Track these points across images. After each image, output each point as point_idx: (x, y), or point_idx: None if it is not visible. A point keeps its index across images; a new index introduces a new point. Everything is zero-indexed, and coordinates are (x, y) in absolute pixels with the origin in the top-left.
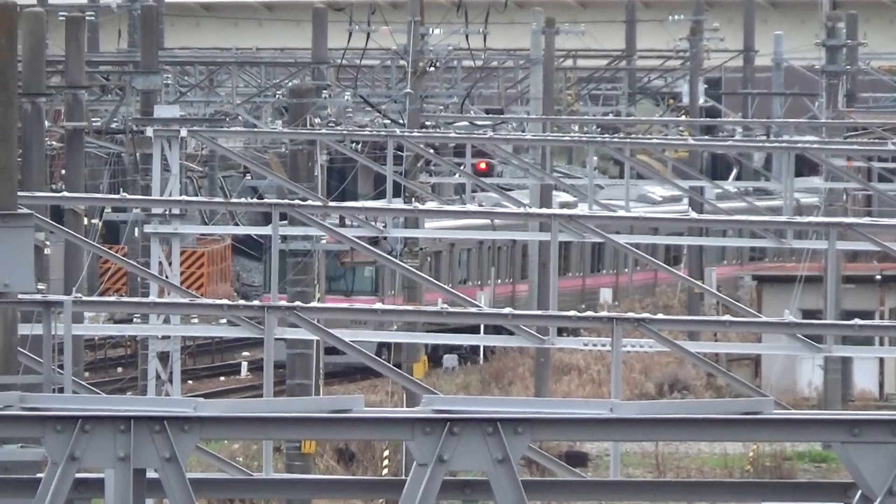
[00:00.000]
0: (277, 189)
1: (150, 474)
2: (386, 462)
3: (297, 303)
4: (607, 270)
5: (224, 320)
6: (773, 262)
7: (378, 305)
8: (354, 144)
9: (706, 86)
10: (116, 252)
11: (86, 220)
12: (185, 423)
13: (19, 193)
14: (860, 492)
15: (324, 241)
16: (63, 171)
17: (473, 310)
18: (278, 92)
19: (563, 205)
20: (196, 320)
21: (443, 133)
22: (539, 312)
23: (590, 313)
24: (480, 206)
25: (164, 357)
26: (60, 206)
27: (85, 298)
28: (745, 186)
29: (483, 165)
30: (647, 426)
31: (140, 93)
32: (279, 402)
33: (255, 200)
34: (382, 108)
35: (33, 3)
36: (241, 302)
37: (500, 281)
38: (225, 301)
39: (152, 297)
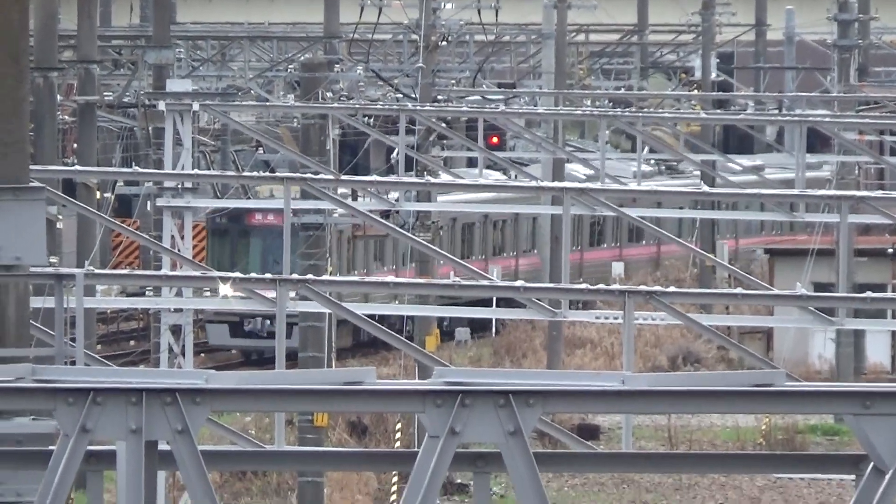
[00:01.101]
0: (289, 163)
1: (162, 446)
2: (398, 435)
3: (310, 276)
4: (608, 244)
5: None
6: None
7: (390, 279)
8: (366, 118)
9: (718, 60)
10: (128, 225)
11: (98, 194)
12: (196, 396)
13: (31, 167)
14: (872, 464)
15: (336, 215)
16: (75, 145)
17: (486, 283)
18: (290, 66)
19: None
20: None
21: (455, 107)
22: (551, 285)
23: (602, 286)
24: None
25: (176, 330)
26: (73, 180)
27: (97, 272)
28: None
29: (495, 139)
30: (658, 398)
31: (152, 67)
32: (291, 374)
33: (267, 174)
34: (394, 82)
35: None
36: (254, 275)
37: (503, 255)
38: (237, 274)
39: (164, 271)
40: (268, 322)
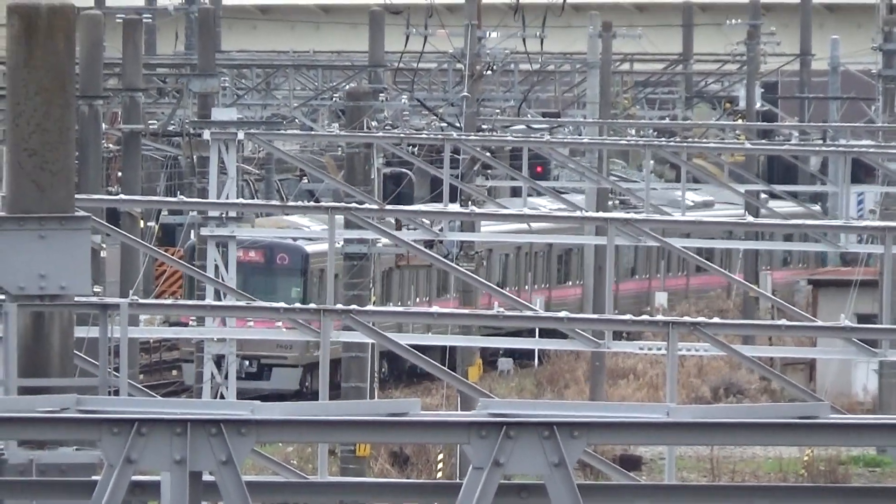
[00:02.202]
0: (334, 192)
1: (206, 477)
2: (440, 465)
3: (353, 306)
4: (640, 276)
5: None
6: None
7: (435, 309)
8: (411, 147)
9: (763, 90)
10: (172, 255)
11: (142, 223)
12: (242, 426)
13: (76, 196)
14: None
15: (380, 245)
16: (119, 174)
17: (529, 313)
18: (335, 95)
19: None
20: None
21: (499, 136)
22: (595, 316)
23: (646, 317)
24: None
25: (219, 360)
26: (117, 209)
27: (141, 301)
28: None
29: (539, 169)
30: (703, 430)
31: (197, 95)
32: (336, 405)
33: (311, 203)
34: (439, 111)
35: (91, 5)
36: (298, 305)
37: (536, 286)
38: (281, 304)
39: (208, 300)
40: (246, 363)
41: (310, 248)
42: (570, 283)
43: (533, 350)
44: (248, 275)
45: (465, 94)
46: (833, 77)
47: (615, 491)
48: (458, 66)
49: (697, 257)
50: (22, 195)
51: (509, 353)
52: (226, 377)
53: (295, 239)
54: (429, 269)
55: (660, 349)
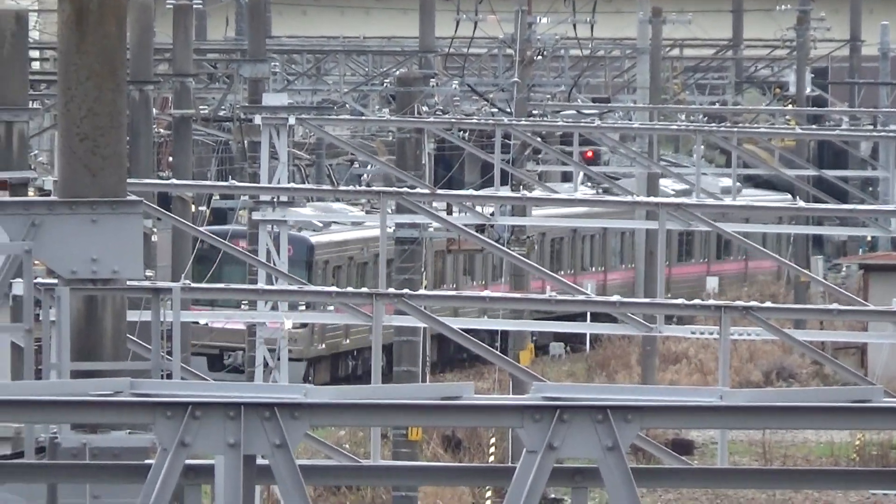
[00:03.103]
0: (385, 177)
1: (260, 461)
2: (492, 449)
3: (405, 290)
4: (697, 259)
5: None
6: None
7: (487, 293)
8: (462, 133)
9: (813, 75)
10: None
11: (193, 208)
12: (295, 410)
13: (128, 180)
14: None
15: (431, 229)
16: (170, 159)
17: (581, 297)
18: (385, 80)
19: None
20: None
21: (550, 122)
22: (647, 300)
23: (698, 301)
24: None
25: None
26: (168, 194)
27: (193, 285)
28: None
29: (590, 154)
30: (757, 414)
31: (248, 80)
32: (389, 388)
33: (362, 188)
34: (490, 96)
35: None
36: (350, 289)
37: (592, 269)
38: (333, 288)
39: (260, 284)
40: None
41: (315, 238)
42: (625, 266)
43: (584, 334)
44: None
45: (516, 79)
46: (883, 63)
47: (668, 475)
48: (509, 51)
49: (749, 241)
50: (74, 180)
51: (560, 337)
52: (278, 361)
53: (299, 230)
54: (480, 254)
55: (712, 333)
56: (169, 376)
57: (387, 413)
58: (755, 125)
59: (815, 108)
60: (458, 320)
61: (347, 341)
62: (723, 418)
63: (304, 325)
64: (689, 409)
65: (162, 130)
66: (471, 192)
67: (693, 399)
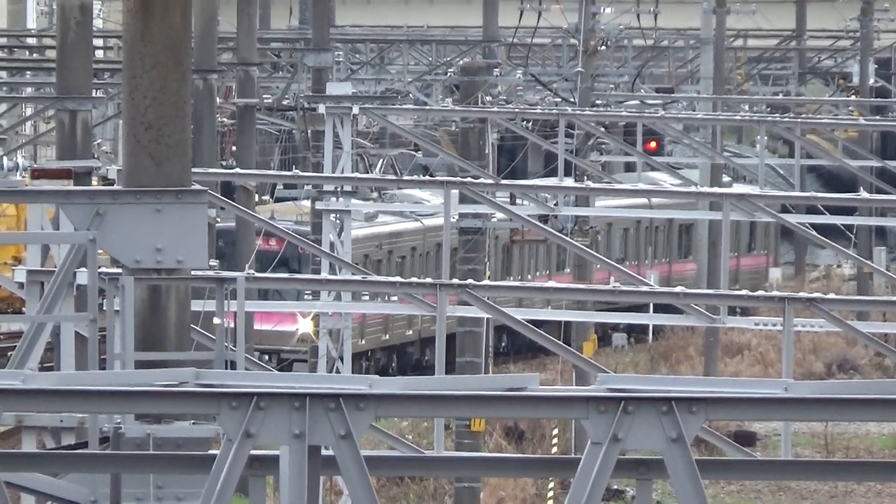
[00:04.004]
0: (448, 167)
1: (324, 452)
2: (555, 440)
3: (469, 280)
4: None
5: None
6: None
7: (551, 284)
8: (525, 122)
9: (876, 66)
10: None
11: (256, 197)
12: (360, 401)
13: (192, 170)
14: None
15: (494, 219)
16: (234, 148)
17: (645, 288)
18: (449, 70)
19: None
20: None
21: (613, 112)
22: (711, 291)
23: (761, 293)
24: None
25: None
26: (231, 183)
27: (257, 275)
28: None
29: (653, 144)
30: (822, 406)
31: (311, 70)
32: (454, 379)
33: (426, 178)
34: (553, 86)
35: None
36: (414, 279)
37: (657, 261)
38: (398, 279)
39: (324, 274)
40: (266, 357)
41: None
42: (690, 257)
43: (647, 325)
44: (267, 265)
45: (580, 69)
46: None
47: (732, 466)
48: (573, 41)
49: (813, 232)
50: (138, 169)
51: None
52: (341, 351)
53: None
54: (543, 244)
55: (775, 325)
56: (233, 366)
57: (452, 404)
58: (818, 116)
59: (878, 99)
60: (521, 311)
61: (387, 336)
62: (788, 410)
63: None
64: (753, 401)
65: (225, 120)
66: (534, 182)
67: (758, 391)
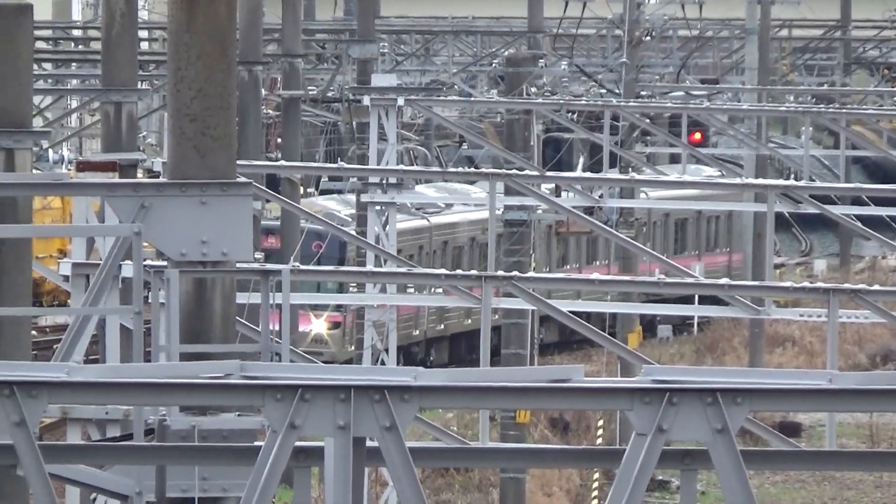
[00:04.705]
0: (493, 159)
1: (369, 443)
2: (600, 432)
3: (515, 272)
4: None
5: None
6: None
7: (595, 275)
8: (570, 114)
9: None
10: None
11: (301, 189)
12: (405, 393)
13: (237, 162)
14: None
15: (539, 211)
16: (279, 140)
17: (690, 280)
18: (494, 61)
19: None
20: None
21: (658, 103)
22: (756, 283)
23: (806, 284)
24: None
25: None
26: (276, 175)
27: (302, 267)
28: None
29: (698, 136)
30: (866, 397)
31: (356, 61)
32: (499, 371)
33: (471, 170)
34: (598, 77)
35: None
36: (459, 271)
37: (687, 253)
38: (442, 271)
39: (369, 267)
40: None
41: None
42: (719, 250)
43: (692, 317)
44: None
45: (624, 60)
46: None
47: (777, 457)
48: (617, 32)
49: (858, 224)
50: (183, 161)
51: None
52: (386, 344)
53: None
54: (588, 236)
55: (820, 316)
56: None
57: (497, 396)
58: (863, 107)
59: None
60: (565, 302)
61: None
62: (832, 401)
63: (336, 326)
64: (798, 392)
65: (270, 111)
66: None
67: (802, 382)
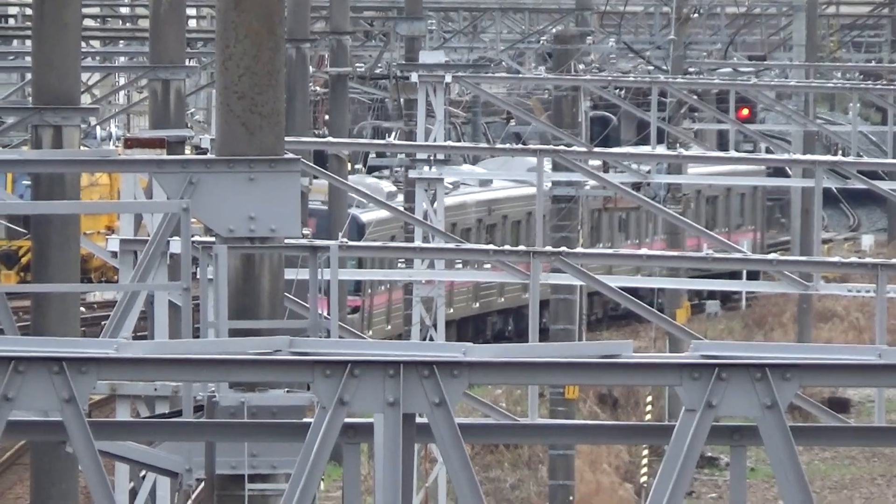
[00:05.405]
0: (541, 135)
1: (418, 419)
2: (649, 408)
3: (563, 248)
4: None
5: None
6: None
7: (644, 251)
8: (618, 90)
9: None
10: None
11: (349, 165)
12: (454, 368)
13: (285, 138)
14: None
15: (587, 187)
16: (326, 117)
17: (738, 255)
18: (542, 38)
19: None
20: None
21: (706, 79)
22: (804, 259)
23: (854, 259)
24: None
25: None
26: (324, 152)
27: (350, 243)
28: None
29: (745, 112)
30: None
31: (404, 38)
32: (547, 347)
33: (519, 146)
34: (646, 54)
35: None
36: (507, 247)
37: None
38: (491, 246)
39: (417, 243)
40: None
41: (365, 217)
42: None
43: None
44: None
45: (672, 37)
46: None
47: (826, 433)
48: (665, 9)
49: None
50: (231, 138)
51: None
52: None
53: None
54: (635, 212)
55: (868, 292)
56: (327, 335)
57: (546, 371)
58: None
59: None
60: (613, 278)
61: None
62: (882, 376)
63: (355, 311)
64: (847, 368)
65: (318, 88)
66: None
67: (852, 357)
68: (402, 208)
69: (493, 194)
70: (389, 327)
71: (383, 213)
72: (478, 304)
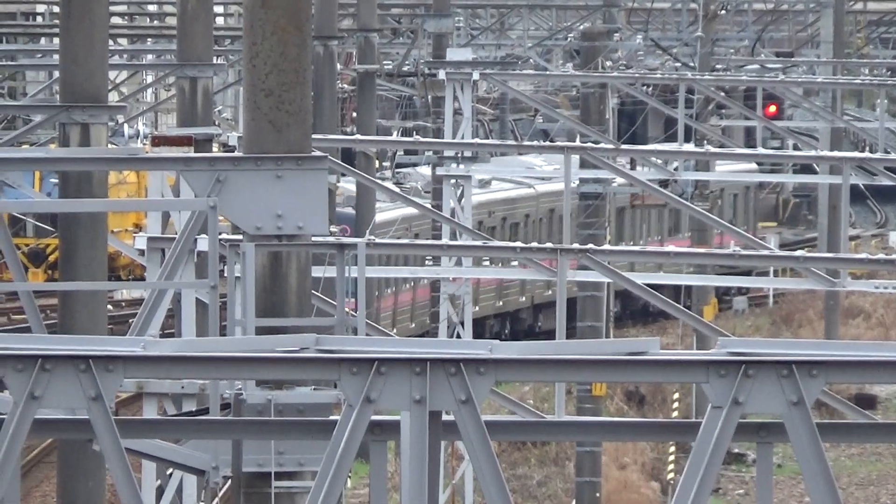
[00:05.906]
0: (568, 132)
1: (445, 417)
2: (676, 405)
3: (590, 245)
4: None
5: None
6: None
7: (670, 248)
8: (645, 87)
9: None
10: None
11: (377, 163)
12: (480, 366)
13: (312, 136)
14: None
15: (615, 184)
16: (354, 114)
17: (765, 252)
18: (569, 35)
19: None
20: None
21: (733, 76)
22: (831, 255)
23: (882, 256)
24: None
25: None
26: (352, 149)
27: (378, 241)
28: None
29: (773, 109)
30: None
31: (432, 35)
32: (574, 344)
33: (546, 143)
34: (673, 51)
35: None
36: (534, 244)
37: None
38: (518, 244)
39: (444, 240)
40: None
41: (376, 217)
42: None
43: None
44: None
45: (700, 34)
46: None
47: (853, 430)
48: (693, 5)
49: None
50: (258, 135)
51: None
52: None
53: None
54: (662, 209)
55: (895, 288)
56: (354, 332)
57: (573, 368)
58: None
59: None
60: (639, 275)
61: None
62: None
63: None
64: (874, 365)
65: (346, 86)
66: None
67: (878, 354)
68: (429, 206)
69: (508, 193)
70: (395, 331)
71: (387, 216)
72: (501, 303)
